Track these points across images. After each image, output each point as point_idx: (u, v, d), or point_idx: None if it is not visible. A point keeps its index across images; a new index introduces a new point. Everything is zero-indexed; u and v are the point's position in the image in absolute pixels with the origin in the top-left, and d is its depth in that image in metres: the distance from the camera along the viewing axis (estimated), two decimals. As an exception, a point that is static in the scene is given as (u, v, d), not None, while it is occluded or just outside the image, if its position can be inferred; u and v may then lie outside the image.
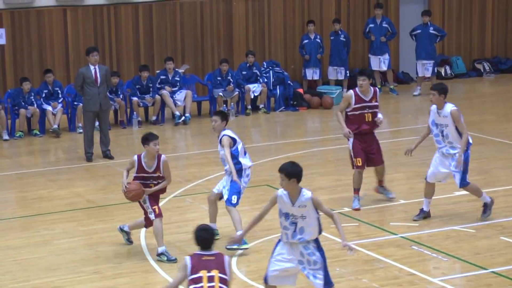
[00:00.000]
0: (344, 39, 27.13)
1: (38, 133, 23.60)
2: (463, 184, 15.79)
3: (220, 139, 14.92)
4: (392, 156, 20.14)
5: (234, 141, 14.97)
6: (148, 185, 14.24)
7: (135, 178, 14.32)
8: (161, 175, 14.29)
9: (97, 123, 21.05)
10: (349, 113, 16.93)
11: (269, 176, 19.00)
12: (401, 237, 15.31)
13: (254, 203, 17.28)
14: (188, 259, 10.39)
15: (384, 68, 27.53)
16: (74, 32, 25.56)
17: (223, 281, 10.30)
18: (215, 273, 10.37)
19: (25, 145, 22.82)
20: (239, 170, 14.89)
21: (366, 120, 16.87)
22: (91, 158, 20.85)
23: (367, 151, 17.03)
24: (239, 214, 14.76)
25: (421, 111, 25.34)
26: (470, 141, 15.84)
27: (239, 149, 14.96)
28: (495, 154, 20.34)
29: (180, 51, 26.56)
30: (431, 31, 27.13)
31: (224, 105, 25.14)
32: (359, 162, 16.91)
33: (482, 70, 29.72)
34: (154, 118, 24.56)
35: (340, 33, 27.13)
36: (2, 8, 24.89)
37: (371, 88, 17.01)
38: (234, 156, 14.90)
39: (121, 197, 17.37)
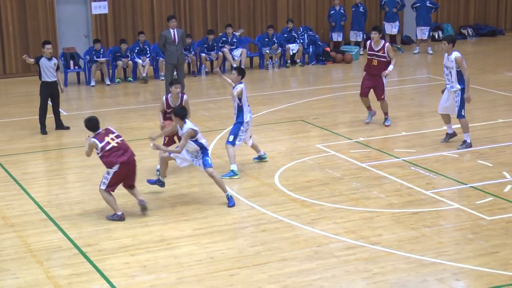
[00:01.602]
0: (363, 10, 26.90)
1: (131, 79, 23.75)
2: (460, 116, 15.77)
3: (235, 88, 14.50)
4: (397, 99, 20.10)
5: (243, 92, 14.47)
6: None
7: (166, 114, 14.54)
8: None
9: (175, 73, 21.15)
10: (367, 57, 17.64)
11: (303, 113, 19.03)
12: (403, 160, 15.32)
13: (292, 133, 17.37)
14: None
15: (395, 32, 27.27)
16: (158, 3, 25.55)
17: None
18: None
19: (122, 88, 22.99)
20: (241, 122, 14.54)
21: (373, 64, 17.41)
22: (171, 99, 20.98)
23: (372, 86, 17.55)
24: (233, 152, 14.53)
25: (419, 65, 25.20)
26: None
27: (247, 101, 14.67)
28: (475, 99, 20.18)
29: (237, 19, 26.47)
30: (427, 4, 26.81)
31: (270, 59, 25.13)
32: (360, 91, 17.71)
33: (466, 34, 29.38)
34: (217, 68, 24.52)
35: (359, 5, 26.89)
36: (104, -15, 24.98)
37: (382, 41, 17.23)
38: (243, 105, 14.52)
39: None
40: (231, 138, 14.53)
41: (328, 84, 22.77)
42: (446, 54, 15.80)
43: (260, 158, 15.37)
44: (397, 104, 19.34)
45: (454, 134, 16.23)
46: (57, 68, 18.00)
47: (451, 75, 15.70)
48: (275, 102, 20.48)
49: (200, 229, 12.20)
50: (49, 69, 17.81)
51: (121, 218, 12.55)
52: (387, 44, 17.43)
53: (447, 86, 15.88)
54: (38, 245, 11.68)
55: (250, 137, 14.96)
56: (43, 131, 17.85)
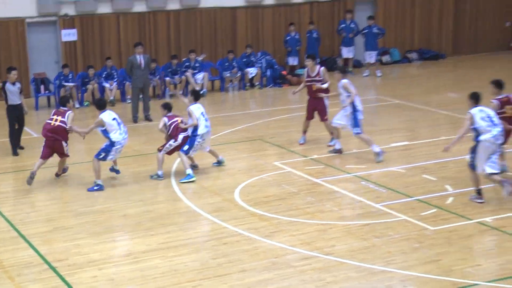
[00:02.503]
0: (316, 36, 27.00)
1: (99, 102, 23.60)
2: (355, 133, 16.44)
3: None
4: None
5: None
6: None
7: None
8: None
9: (140, 96, 21.07)
10: (306, 84, 17.84)
11: (261, 133, 19.06)
12: (354, 175, 15.38)
13: (251, 152, 17.38)
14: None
15: (351, 56, 27.42)
16: (124, 31, 25.46)
17: None
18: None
19: (90, 111, 22.80)
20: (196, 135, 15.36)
21: (313, 89, 17.57)
22: (137, 121, 20.90)
23: (315, 109, 17.74)
24: (187, 159, 15.24)
25: (367, 87, 25.31)
26: (358, 104, 16.36)
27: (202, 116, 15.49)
28: (419, 118, 20.40)
29: (199, 45, 26.45)
30: (374, 31, 27.01)
31: (230, 82, 25.15)
32: (306, 114, 17.90)
33: (411, 58, 29.63)
34: (180, 92, 24.54)
35: (313, 32, 27.00)
36: (75, 15, 24.79)
37: (317, 66, 17.49)
38: (198, 121, 15.36)
39: (156, 148, 17.45)
40: (186, 147, 15.21)
41: (285, 105, 22.81)
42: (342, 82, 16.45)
43: (219, 163, 15.99)
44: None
45: (340, 151, 16.85)
46: (21, 91, 17.90)
47: (343, 100, 16.47)
48: (235, 122, 20.47)
49: (165, 243, 12.13)
50: (13, 93, 17.72)
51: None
52: (322, 68, 17.62)
53: (343, 103, 16.48)
54: (10, 261, 11.53)
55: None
56: (14, 152, 17.67)
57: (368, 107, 22.02)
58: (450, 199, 13.78)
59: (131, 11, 25.52)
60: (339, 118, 16.56)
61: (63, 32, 24.64)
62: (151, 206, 13.75)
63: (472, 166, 13.42)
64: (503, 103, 14.29)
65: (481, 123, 13.21)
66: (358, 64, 28.36)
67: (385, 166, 15.94)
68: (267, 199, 14.02)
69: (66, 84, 22.99)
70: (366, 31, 27.03)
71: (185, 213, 13.40)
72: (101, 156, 14.85)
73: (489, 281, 10.46)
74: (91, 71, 23.59)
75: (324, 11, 28.33)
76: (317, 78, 17.41)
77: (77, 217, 13.29)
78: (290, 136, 18.69)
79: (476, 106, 13.45)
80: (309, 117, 17.82)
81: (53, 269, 11.23)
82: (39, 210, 13.97)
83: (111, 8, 25.27)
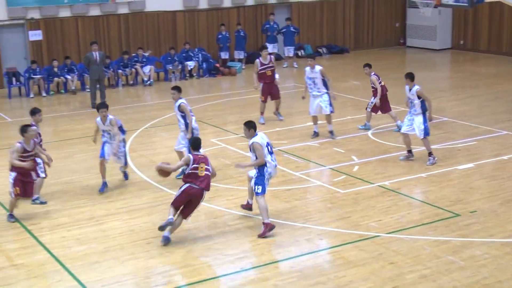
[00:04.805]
0: (243, 34, 26.92)
1: (63, 91, 23.10)
2: (331, 110, 15.90)
3: (178, 105, 13.08)
4: (269, 103, 20.19)
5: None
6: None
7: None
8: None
9: (97, 86, 20.70)
10: (259, 72, 17.50)
11: (200, 115, 18.91)
12: (278, 149, 15.34)
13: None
14: (191, 156, 10.29)
15: (275, 51, 27.35)
16: (82, 32, 24.96)
17: (208, 170, 10.39)
18: (204, 165, 10.36)
19: (56, 99, 22.34)
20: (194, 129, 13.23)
21: (267, 74, 17.46)
22: (95, 106, 20.44)
23: (270, 92, 17.65)
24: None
25: (287, 77, 25.40)
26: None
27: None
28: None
29: (146, 43, 26.11)
30: (291, 29, 27.08)
31: (172, 73, 24.92)
32: (263, 98, 17.65)
33: (322, 52, 29.81)
34: (131, 82, 24.22)
35: (240, 31, 26.91)
36: (40, 18, 24.17)
37: (268, 56, 17.39)
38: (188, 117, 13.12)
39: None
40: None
41: (219, 92, 22.73)
42: (309, 68, 15.96)
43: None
44: (270, 107, 19.45)
45: (317, 134, 16.34)
46: None
47: (316, 83, 15.88)
48: (178, 107, 20.27)
49: (122, 208, 12.01)
50: None
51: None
52: (272, 56, 17.66)
53: (312, 91, 16.02)
54: (-9, 226, 11.26)
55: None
56: None
57: (287, 93, 22.17)
58: (356, 167, 13.96)
59: (87, 14, 25.00)
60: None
61: (30, 33, 24.05)
62: (109, 178, 13.54)
63: (427, 134, 13.75)
64: None
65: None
66: (279, 57, 28.45)
67: (302, 141, 16.02)
68: (206, 170, 13.94)
69: (34, 76, 22.46)
70: (284, 30, 27.06)
71: (138, 183, 13.26)
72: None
73: (388, 233, 10.66)
74: (55, 63, 23.11)
75: (249, 14, 28.27)
76: (270, 64, 17.47)
77: (46, 188, 13.01)
78: (224, 118, 18.63)
79: (415, 85, 13.70)
80: (265, 100, 17.73)
81: (28, 231, 11.01)
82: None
83: (70, 12, 24.71)
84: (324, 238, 10.59)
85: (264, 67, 17.51)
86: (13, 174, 11.30)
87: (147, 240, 10.56)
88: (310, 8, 29.56)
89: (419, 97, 13.69)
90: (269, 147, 10.92)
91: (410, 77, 13.78)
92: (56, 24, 24.57)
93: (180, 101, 13.20)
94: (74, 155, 15.36)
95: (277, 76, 17.63)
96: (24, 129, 11.34)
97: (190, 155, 10.45)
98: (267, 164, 10.78)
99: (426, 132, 13.78)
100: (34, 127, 11.69)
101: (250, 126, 10.92)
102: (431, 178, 13.18)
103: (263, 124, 17.55)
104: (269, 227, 10.60)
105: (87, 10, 24.96)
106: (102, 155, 12.79)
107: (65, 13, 24.69)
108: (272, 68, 17.50)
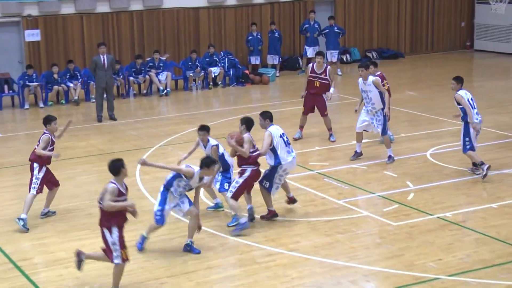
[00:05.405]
0: (278, 36, 27.02)
1: (63, 102, 23.35)
2: (383, 133, 15.88)
3: (210, 150, 12.66)
4: (310, 117, 20.15)
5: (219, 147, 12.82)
6: None
7: None
8: None
9: (105, 95, 20.89)
10: (308, 79, 17.66)
11: (225, 131, 18.88)
12: (317, 172, 15.39)
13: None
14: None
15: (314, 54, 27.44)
16: (88, 31, 25.26)
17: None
18: None
19: (55, 110, 22.53)
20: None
21: (315, 85, 17.55)
22: (101, 120, 20.70)
23: (313, 105, 17.81)
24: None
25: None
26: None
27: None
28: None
29: (163, 45, 26.34)
30: (335, 30, 27.11)
31: (193, 81, 25.07)
32: (303, 109, 17.87)
33: (371, 57, 29.79)
34: (144, 91, 24.41)
35: (275, 31, 27.02)
36: (38, 15, 24.51)
37: (324, 64, 17.46)
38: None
39: (121, 147, 17.32)
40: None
41: (248, 104, 22.77)
42: (362, 79, 15.91)
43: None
44: (310, 121, 19.41)
45: (360, 154, 16.26)
46: None
47: (370, 98, 15.78)
48: (199, 121, 20.27)
49: (132, 241, 11.99)
50: None
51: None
52: (329, 67, 17.64)
53: (367, 107, 15.94)
54: (-24, 260, 11.33)
55: None
56: None
57: (330, 105, 22.12)
58: (411, 195, 13.85)
59: (94, 11, 25.31)
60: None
61: (27, 32, 24.37)
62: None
63: (471, 147, 14.51)
64: None
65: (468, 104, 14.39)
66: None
67: (347, 163, 15.96)
68: (231, 197, 13.93)
69: (30, 84, 22.71)
70: (327, 30, 27.09)
71: (150, 211, 13.24)
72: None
73: (449, 275, 10.52)
74: (55, 69, 23.30)
75: (285, 11, 28.36)
76: (322, 76, 17.45)
77: (42, 216, 13.08)
78: (254, 134, 18.58)
79: (461, 89, 14.44)
80: (307, 112, 17.86)
81: (18, 268, 11.06)
82: (4, 209, 13.75)
83: (74, 8, 25.03)
84: (371, 280, 10.49)
85: (314, 75, 17.48)
86: (43, 171, 12.84)
87: (160, 280, 10.54)
88: (358, 5, 29.57)
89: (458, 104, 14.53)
90: (284, 137, 12.44)
91: (459, 81, 14.67)
92: (57, 22, 24.90)
93: (210, 143, 12.71)
94: (75, 177, 15.45)
95: (331, 90, 17.59)
96: (47, 121, 12.89)
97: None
98: (281, 161, 12.35)
99: (465, 148, 14.65)
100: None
101: (266, 116, 12.67)
102: (503, 209, 13.01)
103: (297, 139, 17.59)
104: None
105: (93, 6, 25.27)
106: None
107: (67, 9, 25.01)
108: (324, 82, 17.40)
